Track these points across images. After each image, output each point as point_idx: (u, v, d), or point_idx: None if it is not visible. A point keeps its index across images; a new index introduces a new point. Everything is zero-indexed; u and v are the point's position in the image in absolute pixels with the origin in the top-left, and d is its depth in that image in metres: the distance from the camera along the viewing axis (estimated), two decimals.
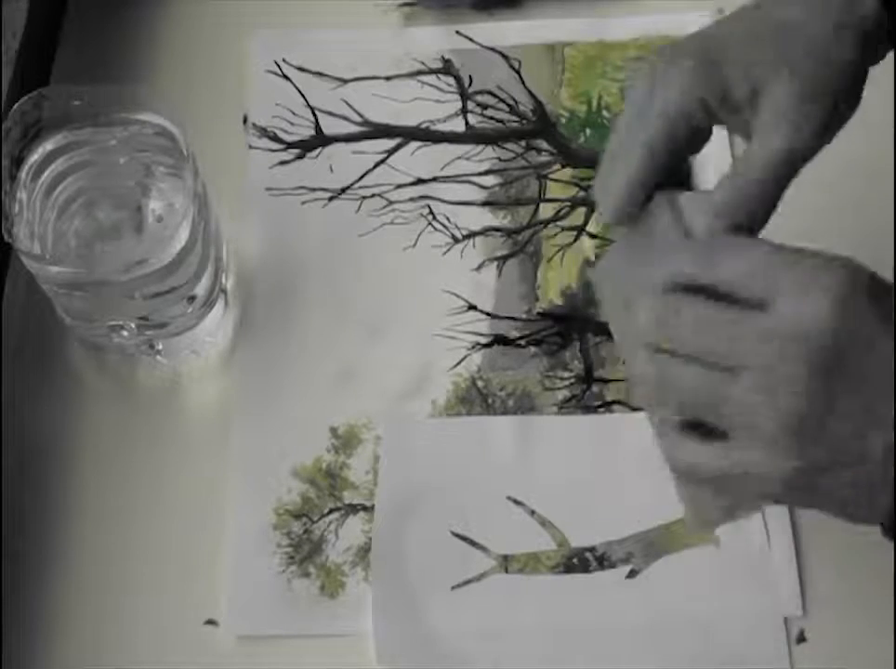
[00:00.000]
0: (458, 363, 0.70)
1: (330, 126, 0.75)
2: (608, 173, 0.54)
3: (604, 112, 0.77)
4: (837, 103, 0.54)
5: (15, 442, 0.67)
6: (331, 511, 0.66)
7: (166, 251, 0.62)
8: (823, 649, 0.62)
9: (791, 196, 0.75)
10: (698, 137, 0.54)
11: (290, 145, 0.75)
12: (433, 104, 0.76)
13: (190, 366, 0.70)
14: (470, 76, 0.77)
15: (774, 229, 0.73)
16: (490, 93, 0.76)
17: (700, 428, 0.50)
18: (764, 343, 0.47)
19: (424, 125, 0.76)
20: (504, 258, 0.73)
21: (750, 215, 0.53)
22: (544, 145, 0.76)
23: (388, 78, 0.77)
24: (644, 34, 0.80)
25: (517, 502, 0.66)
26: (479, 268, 0.73)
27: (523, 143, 0.76)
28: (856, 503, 0.48)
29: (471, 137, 0.76)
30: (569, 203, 0.74)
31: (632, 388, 0.56)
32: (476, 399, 0.69)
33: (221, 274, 0.69)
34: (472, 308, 0.71)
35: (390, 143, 0.75)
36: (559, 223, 0.74)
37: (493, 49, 0.77)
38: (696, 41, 0.54)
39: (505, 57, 0.77)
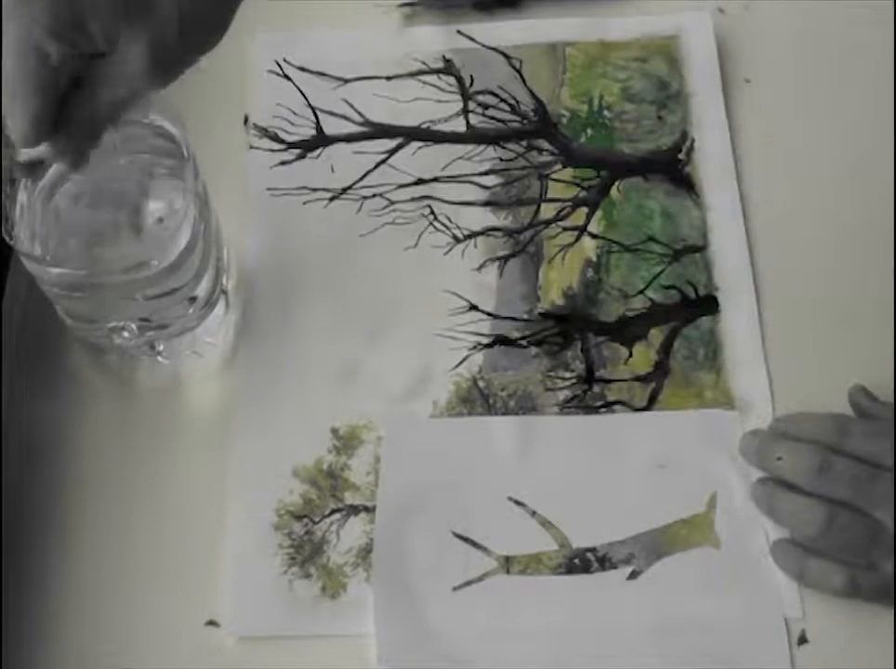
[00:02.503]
0: (459, 364, 0.70)
1: (331, 126, 0.75)
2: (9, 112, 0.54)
3: (605, 112, 0.77)
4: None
5: (15, 442, 0.67)
6: (332, 512, 0.66)
7: (167, 252, 0.62)
8: (824, 650, 0.62)
9: (791, 196, 0.76)
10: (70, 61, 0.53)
11: (291, 145, 0.75)
12: (434, 104, 0.76)
13: (190, 367, 0.70)
14: (471, 76, 0.76)
15: (775, 230, 0.73)
16: (491, 93, 0.76)
17: None
18: None
19: (425, 125, 0.76)
20: (505, 258, 0.73)
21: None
22: (545, 145, 0.76)
23: (388, 78, 0.77)
24: (644, 34, 0.80)
25: (518, 502, 0.66)
26: (480, 268, 0.73)
27: (524, 143, 0.76)
28: None
29: (472, 137, 0.75)
30: (570, 204, 0.74)
31: None
32: (477, 399, 0.69)
33: (222, 275, 0.69)
34: (473, 308, 0.71)
35: (391, 143, 0.75)
36: (560, 223, 0.74)
37: (494, 49, 0.77)
38: None
39: (506, 56, 0.77)
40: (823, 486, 0.62)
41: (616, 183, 0.75)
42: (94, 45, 0.52)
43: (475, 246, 0.73)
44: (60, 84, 0.53)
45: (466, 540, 0.65)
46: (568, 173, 0.75)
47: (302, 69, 0.76)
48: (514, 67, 0.76)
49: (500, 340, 0.71)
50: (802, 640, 0.62)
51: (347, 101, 0.75)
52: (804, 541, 0.63)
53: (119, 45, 0.52)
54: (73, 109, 0.54)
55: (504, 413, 0.69)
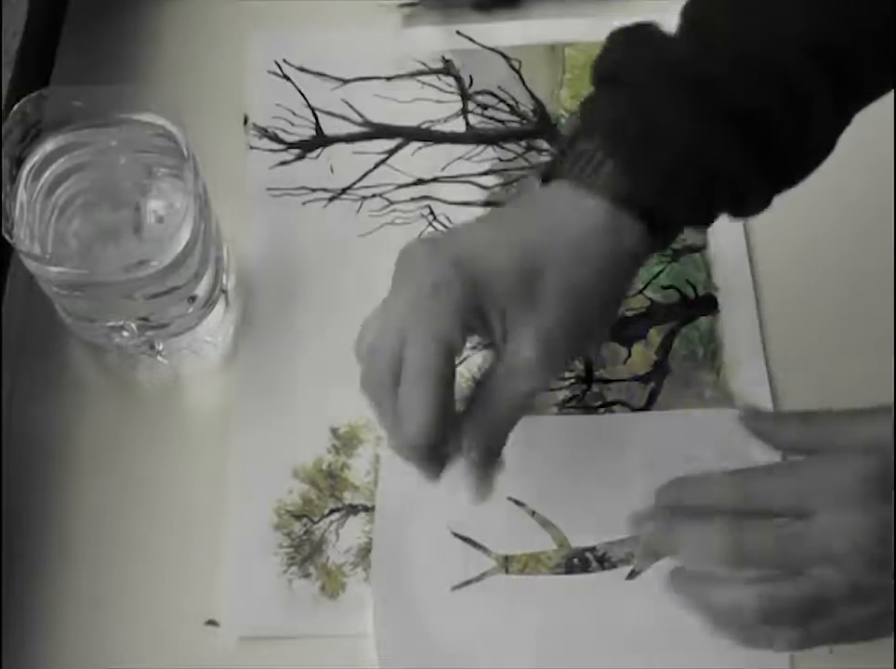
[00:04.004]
0: (459, 364, 0.70)
1: (330, 127, 0.75)
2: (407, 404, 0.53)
3: None
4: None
5: (15, 442, 0.67)
6: (332, 512, 0.66)
7: (167, 251, 0.62)
8: (824, 649, 0.62)
9: (790, 196, 0.76)
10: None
11: (290, 145, 0.75)
12: (434, 104, 0.76)
13: (190, 366, 0.70)
14: (471, 76, 0.77)
15: (774, 229, 0.73)
16: (490, 93, 0.76)
17: None
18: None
19: (424, 126, 0.76)
20: None
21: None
22: (544, 145, 0.76)
23: (388, 78, 0.77)
24: None
25: (517, 502, 0.66)
26: None
27: (524, 143, 0.76)
28: None
29: (472, 137, 0.76)
30: None
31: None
32: None
33: (222, 274, 0.69)
34: None
35: (391, 143, 0.75)
36: None
37: (493, 49, 0.77)
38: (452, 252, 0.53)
39: (505, 57, 0.77)
40: (746, 569, 0.54)
41: None
42: (492, 336, 0.53)
43: None
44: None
45: (465, 539, 0.65)
46: None
47: (302, 69, 0.76)
48: (513, 67, 0.77)
49: None
50: None
51: (346, 102, 0.75)
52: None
53: (511, 335, 0.52)
54: (476, 407, 0.54)
55: None
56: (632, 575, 0.64)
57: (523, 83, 0.76)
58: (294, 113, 0.75)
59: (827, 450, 0.56)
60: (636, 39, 0.56)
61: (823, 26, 0.53)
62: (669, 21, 0.79)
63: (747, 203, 0.56)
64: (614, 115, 0.54)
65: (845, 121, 0.56)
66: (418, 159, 0.75)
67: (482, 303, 0.52)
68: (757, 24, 0.53)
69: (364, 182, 0.74)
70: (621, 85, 0.54)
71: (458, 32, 0.78)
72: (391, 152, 0.75)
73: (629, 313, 0.71)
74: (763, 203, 0.56)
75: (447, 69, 0.77)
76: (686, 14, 0.57)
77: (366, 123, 0.75)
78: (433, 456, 0.54)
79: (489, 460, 0.55)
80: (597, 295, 0.53)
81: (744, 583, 0.53)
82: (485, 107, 0.76)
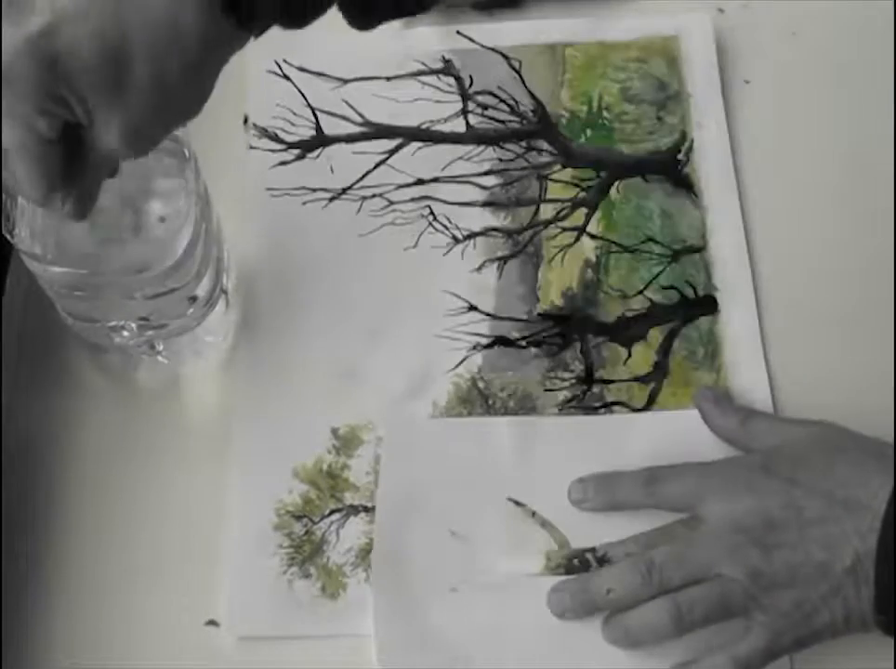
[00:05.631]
0: (459, 364, 0.70)
1: (330, 127, 0.75)
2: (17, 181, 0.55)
3: (605, 113, 0.77)
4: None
5: (15, 442, 0.67)
6: (332, 512, 0.66)
7: (168, 252, 0.62)
8: (824, 649, 0.62)
9: (790, 196, 0.76)
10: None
11: (290, 145, 0.75)
12: (434, 104, 0.76)
13: (190, 367, 0.70)
14: (471, 76, 0.76)
15: (774, 230, 0.74)
16: (490, 93, 0.76)
17: None
18: None
19: (424, 126, 0.76)
20: (504, 259, 0.73)
21: None
22: (544, 145, 0.76)
23: (388, 78, 0.77)
24: (644, 34, 0.80)
25: (518, 503, 0.66)
26: (479, 268, 0.73)
27: (524, 144, 0.76)
28: None
29: (472, 137, 0.76)
30: (569, 204, 0.74)
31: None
32: (477, 399, 0.69)
33: (222, 275, 0.69)
34: (473, 308, 0.71)
35: (391, 143, 0.75)
36: (559, 224, 0.74)
37: (493, 49, 0.77)
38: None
39: (505, 57, 0.77)
40: (660, 583, 0.60)
41: (616, 184, 0.75)
42: (77, 118, 0.52)
43: (474, 247, 0.73)
44: (66, 148, 0.54)
45: (465, 540, 0.65)
46: (567, 173, 0.75)
47: (302, 69, 0.76)
48: (513, 67, 0.77)
49: (499, 341, 0.71)
50: None
51: (346, 102, 0.75)
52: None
53: (94, 118, 0.52)
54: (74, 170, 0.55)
55: (503, 414, 0.69)
56: None
57: (523, 83, 0.76)
58: (294, 113, 0.75)
59: (753, 450, 0.64)
60: None
61: None
62: (670, 21, 0.79)
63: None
64: None
65: None
66: (418, 159, 0.75)
67: (58, 87, 0.51)
68: None
69: (364, 182, 0.74)
70: None
71: (458, 33, 0.78)
72: (391, 152, 0.75)
73: (629, 314, 0.71)
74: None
75: (447, 69, 0.77)
76: None
77: (366, 123, 0.75)
78: (56, 201, 0.56)
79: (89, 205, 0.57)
80: (185, 84, 0.53)
81: (647, 604, 0.60)
82: (485, 107, 0.76)
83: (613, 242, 0.73)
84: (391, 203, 0.74)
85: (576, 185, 0.75)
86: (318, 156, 0.75)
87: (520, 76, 0.76)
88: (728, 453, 0.66)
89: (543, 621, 0.63)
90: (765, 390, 0.68)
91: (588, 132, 0.77)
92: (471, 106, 0.76)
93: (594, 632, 0.63)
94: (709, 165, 0.76)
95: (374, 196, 0.74)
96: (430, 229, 0.74)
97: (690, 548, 0.61)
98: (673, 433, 0.68)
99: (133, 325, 0.66)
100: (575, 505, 0.65)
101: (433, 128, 0.76)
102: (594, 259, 0.73)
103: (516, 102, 0.76)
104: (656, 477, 0.64)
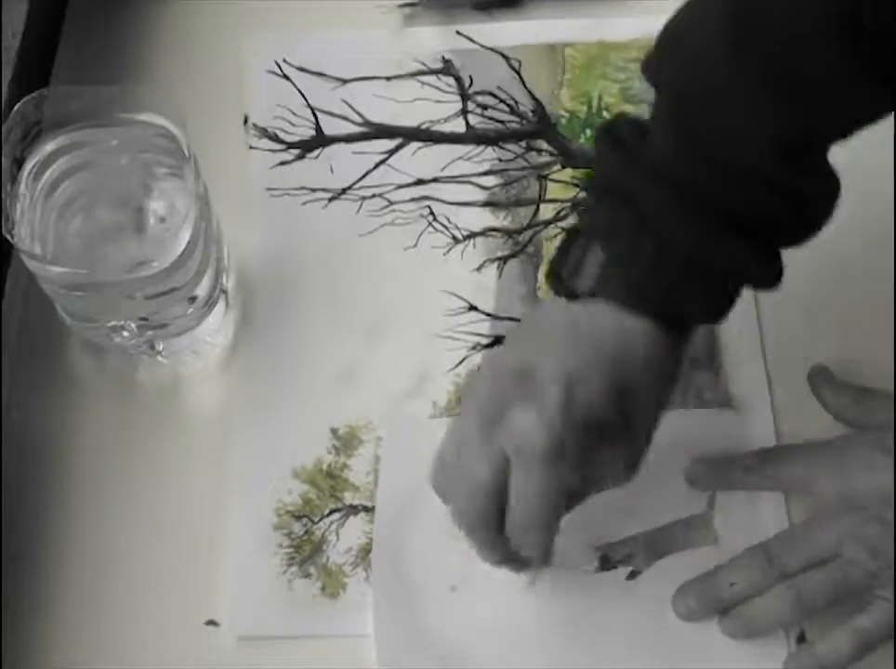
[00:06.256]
0: (459, 364, 0.70)
1: (330, 127, 0.75)
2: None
3: (604, 113, 0.77)
4: None
5: (15, 442, 0.67)
6: (332, 512, 0.66)
7: (168, 252, 0.62)
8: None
9: None
10: None
11: (290, 145, 0.75)
12: (434, 104, 0.76)
13: (190, 367, 0.70)
14: (471, 77, 0.77)
15: None
16: (490, 93, 0.76)
17: None
18: None
19: (424, 126, 0.76)
20: (504, 259, 0.73)
21: None
22: (544, 146, 0.76)
23: (388, 78, 0.77)
24: (644, 34, 0.79)
25: None
26: (479, 268, 0.73)
27: (523, 144, 0.76)
28: None
29: (472, 137, 0.76)
30: (569, 204, 0.74)
31: None
32: None
33: (222, 275, 0.69)
34: (473, 308, 0.71)
35: (391, 143, 0.75)
36: (559, 224, 0.74)
37: (493, 50, 0.77)
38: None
39: (505, 57, 0.77)
40: (780, 570, 0.61)
41: None
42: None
43: (474, 247, 0.73)
44: None
45: (465, 540, 0.65)
46: (567, 173, 0.75)
47: (301, 69, 0.76)
48: (513, 68, 0.77)
49: (499, 341, 0.71)
50: (801, 639, 0.62)
51: (346, 102, 0.75)
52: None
53: (601, 460, 0.56)
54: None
55: None
56: (632, 575, 0.64)
57: (523, 83, 0.76)
58: (294, 113, 0.75)
59: (867, 427, 0.64)
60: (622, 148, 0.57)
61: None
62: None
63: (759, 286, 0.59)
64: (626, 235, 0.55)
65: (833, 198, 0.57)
66: (418, 159, 0.75)
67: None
68: (735, 127, 0.54)
69: (364, 182, 0.74)
70: (623, 201, 0.55)
71: (458, 33, 0.78)
72: (391, 152, 0.75)
73: None
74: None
75: (447, 69, 0.77)
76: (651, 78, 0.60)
77: (366, 123, 0.75)
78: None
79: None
80: (658, 404, 0.58)
81: (769, 592, 0.60)
82: (485, 107, 0.76)
83: None
84: (391, 203, 0.74)
85: (576, 185, 0.75)
86: (318, 156, 0.75)
87: (520, 76, 0.76)
88: (723, 452, 0.66)
89: (543, 621, 0.63)
90: (764, 391, 0.68)
91: (588, 132, 0.77)
92: (471, 106, 0.76)
93: (594, 632, 0.63)
94: None
95: (373, 196, 0.74)
96: (430, 229, 0.74)
97: (808, 531, 0.61)
98: (673, 433, 0.67)
99: (133, 325, 0.66)
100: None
101: (433, 128, 0.76)
102: None
103: (516, 102, 0.76)
104: (768, 458, 0.64)
